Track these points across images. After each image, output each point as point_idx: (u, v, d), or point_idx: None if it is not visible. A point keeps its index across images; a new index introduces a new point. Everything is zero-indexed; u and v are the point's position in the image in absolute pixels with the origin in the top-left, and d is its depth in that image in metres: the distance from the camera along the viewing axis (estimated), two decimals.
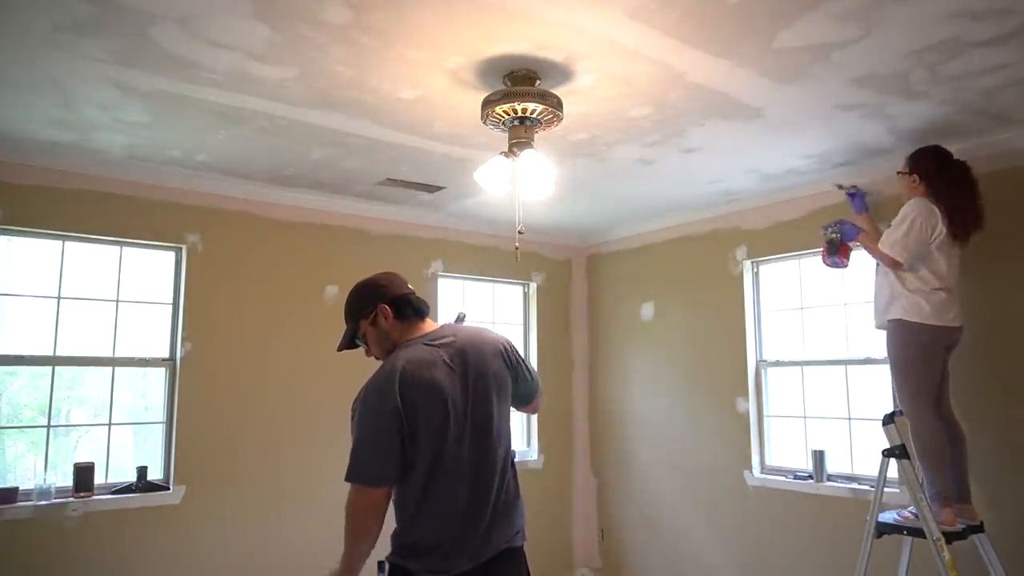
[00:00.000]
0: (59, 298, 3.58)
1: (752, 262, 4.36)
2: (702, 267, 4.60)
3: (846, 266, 3.36)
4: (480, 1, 2.08)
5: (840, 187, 3.57)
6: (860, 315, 3.76)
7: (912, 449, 2.93)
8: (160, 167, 3.67)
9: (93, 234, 3.63)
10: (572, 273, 5.58)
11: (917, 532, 2.82)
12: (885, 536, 2.95)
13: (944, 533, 2.71)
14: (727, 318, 4.40)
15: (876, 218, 3.47)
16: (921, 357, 2.93)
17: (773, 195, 4.12)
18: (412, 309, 2.15)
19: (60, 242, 3.61)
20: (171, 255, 3.91)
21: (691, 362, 4.64)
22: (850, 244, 3.31)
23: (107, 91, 2.71)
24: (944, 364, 3.01)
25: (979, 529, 2.85)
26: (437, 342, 2.09)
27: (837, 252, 3.28)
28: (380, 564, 4.49)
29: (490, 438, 2.05)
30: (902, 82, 2.62)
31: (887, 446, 2.96)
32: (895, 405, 3.11)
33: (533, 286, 5.33)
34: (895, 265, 2.94)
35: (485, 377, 2.07)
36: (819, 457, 3.84)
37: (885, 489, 2.99)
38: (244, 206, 4.06)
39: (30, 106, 2.87)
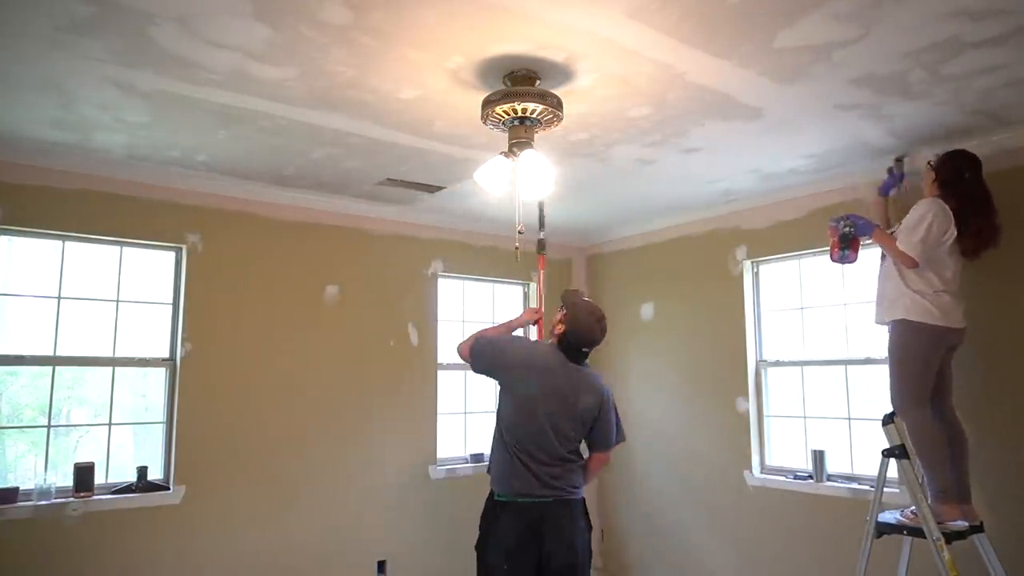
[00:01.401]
0: (59, 298, 3.59)
1: (752, 262, 4.36)
2: (702, 267, 4.60)
3: (855, 260, 3.23)
4: (480, 1, 2.08)
5: (899, 160, 3.39)
6: (860, 315, 3.76)
7: (912, 449, 2.93)
8: (160, 167, 3.67)
9: (93, 234, 3.63)
10: (572, 273, 5.58)
11: (917, 532, 2.82)
12: (885, 536, 2.95)
13: (944, 533, 2.71)
14: (727, 318, 4.40)
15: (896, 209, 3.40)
16: (923, 357, 2.91)
17: (773, 195, 4.12)
18: (574, 351, 2.99)
19: (60, 242, 3.61)
20: (171, 255, 3.91)
21: (691, 362, 4.65)
22: (862, 240, 3.18)
23: (107, 91, 2.72)
24: (945, 365, 3.01)
25: (979, 529, 2.85)
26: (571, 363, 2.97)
27: (849, 246, 3.16)
28: (380, 564, 4.52)
29: (554, 429, 2.87)
30: (901, 82, 2.62)
31: (887, 446, 2.96)
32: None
33: (533, 286, 5.33)
34: (912, 265, 2.89)
35: (576, 402, 2.91)
36: (819, 457, 3.84)
37: (885, 489, 2.99)
38: (244, 206, 4.06)
39: (30, 106, 2.88)
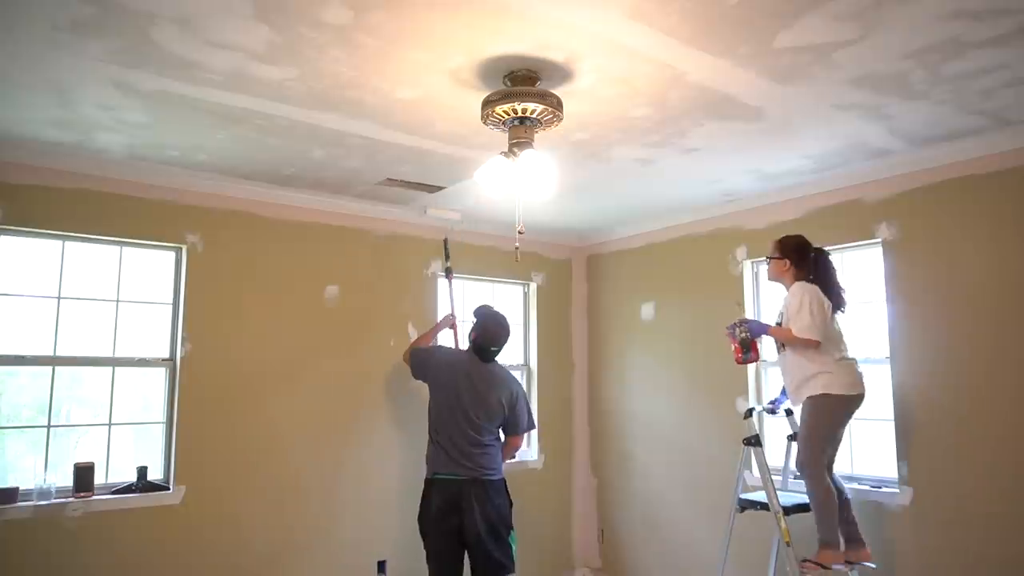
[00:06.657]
0: (59, 298, 3.59)
1: (752, 262, 4.36)
2: (702, 267, 4.60)
3: (758, 359, 3.47)
4: (481, 1, 2.08)
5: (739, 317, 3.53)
6: (859, 315, 3.76)
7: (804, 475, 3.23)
8: (160, 167, 3.67)
9: (93, 234, 3.63)
10: (572, 273, 5.58)
11: (765, 507, 3.31)
12: (748, 511, 3.46)
13: (783, 506, 3.25)
14: (727, 318, 4.37)
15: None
16: (832, 425, 3.25)
17: (773, 195, 4.12)
18: (484, 352, 3.71)
19: (60, 242, 3.61)
20: (171, 255, 3.91)
21: (691, 362, 4.65)
22: (758, 340, 3.40)
23: (107, 91, 2.72)
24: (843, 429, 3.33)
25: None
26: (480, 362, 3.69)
27: (750, 349, 3.37)
28: (380, 564, 4.53)
29: (470, 420, 3.55)
30: (902, 82, 2.62)
31: (746, 436, 3.42)
32: (774, 408, 3.59)
33: (533, 286, 5.33)
34: (814, 346, 3.16)
35: (487, 395, 3.60)
36: None
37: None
38: (244, 206, 4.06)
39: (30, 106, 2.88)
